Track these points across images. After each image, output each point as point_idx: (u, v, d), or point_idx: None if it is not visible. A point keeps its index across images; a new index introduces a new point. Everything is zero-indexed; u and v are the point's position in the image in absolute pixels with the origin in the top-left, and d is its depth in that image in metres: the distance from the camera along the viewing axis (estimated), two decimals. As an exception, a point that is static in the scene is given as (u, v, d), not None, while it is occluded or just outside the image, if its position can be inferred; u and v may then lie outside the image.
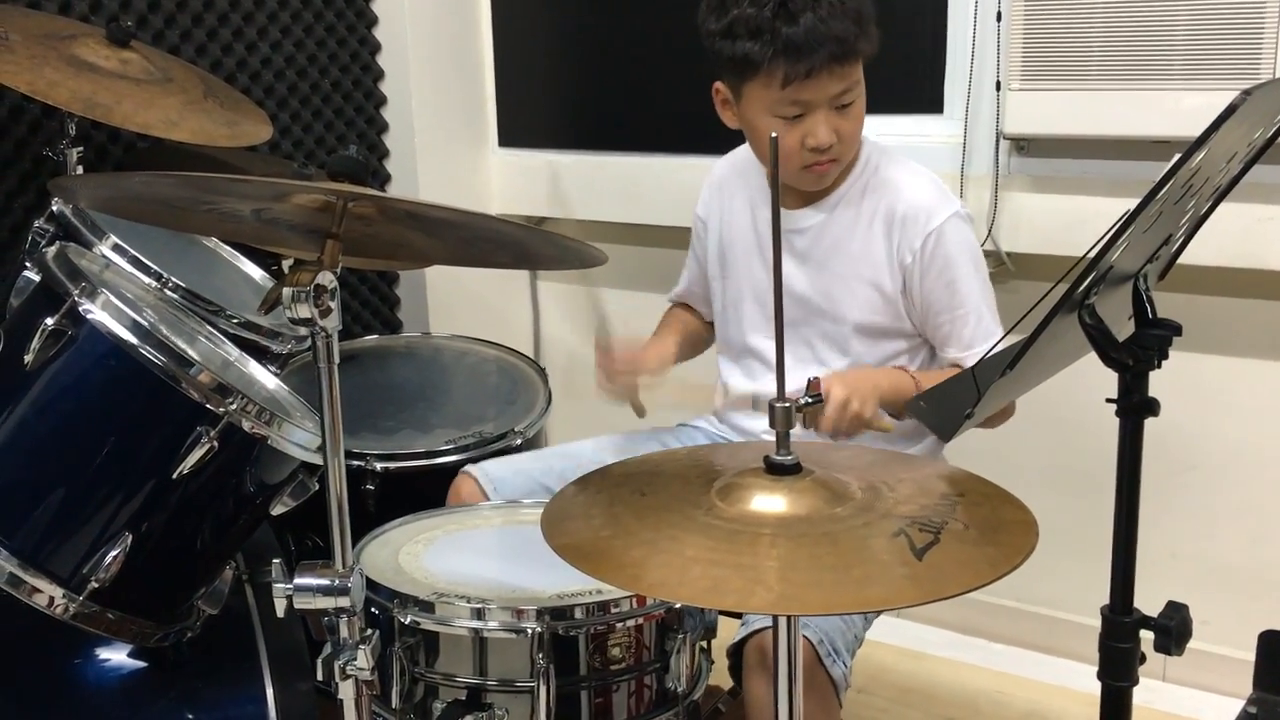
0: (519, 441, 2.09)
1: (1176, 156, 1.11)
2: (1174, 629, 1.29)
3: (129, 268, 1.81)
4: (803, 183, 1.77)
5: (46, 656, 1.67)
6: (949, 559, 1.04)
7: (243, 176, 1.20)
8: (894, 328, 1.79)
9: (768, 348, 1.86)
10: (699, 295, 2.04)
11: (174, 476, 1.50)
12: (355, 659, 1.28)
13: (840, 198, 1.79)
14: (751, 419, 1.89)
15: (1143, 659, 1.32)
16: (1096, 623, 1.32)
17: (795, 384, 1.18)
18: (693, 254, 2.04)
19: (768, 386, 1.81)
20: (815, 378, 1.21)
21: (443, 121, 2.96)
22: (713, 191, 1.97)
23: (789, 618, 1.16)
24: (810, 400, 1.16)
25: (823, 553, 1.05)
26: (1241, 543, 2.33)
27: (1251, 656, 1.68)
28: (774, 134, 1.13)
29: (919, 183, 1.78)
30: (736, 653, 1.60)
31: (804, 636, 1.54)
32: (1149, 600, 1.31)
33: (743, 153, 1.93)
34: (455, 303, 2.97)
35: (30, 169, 2.22)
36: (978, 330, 1.74)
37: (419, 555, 1.58)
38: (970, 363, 1.73)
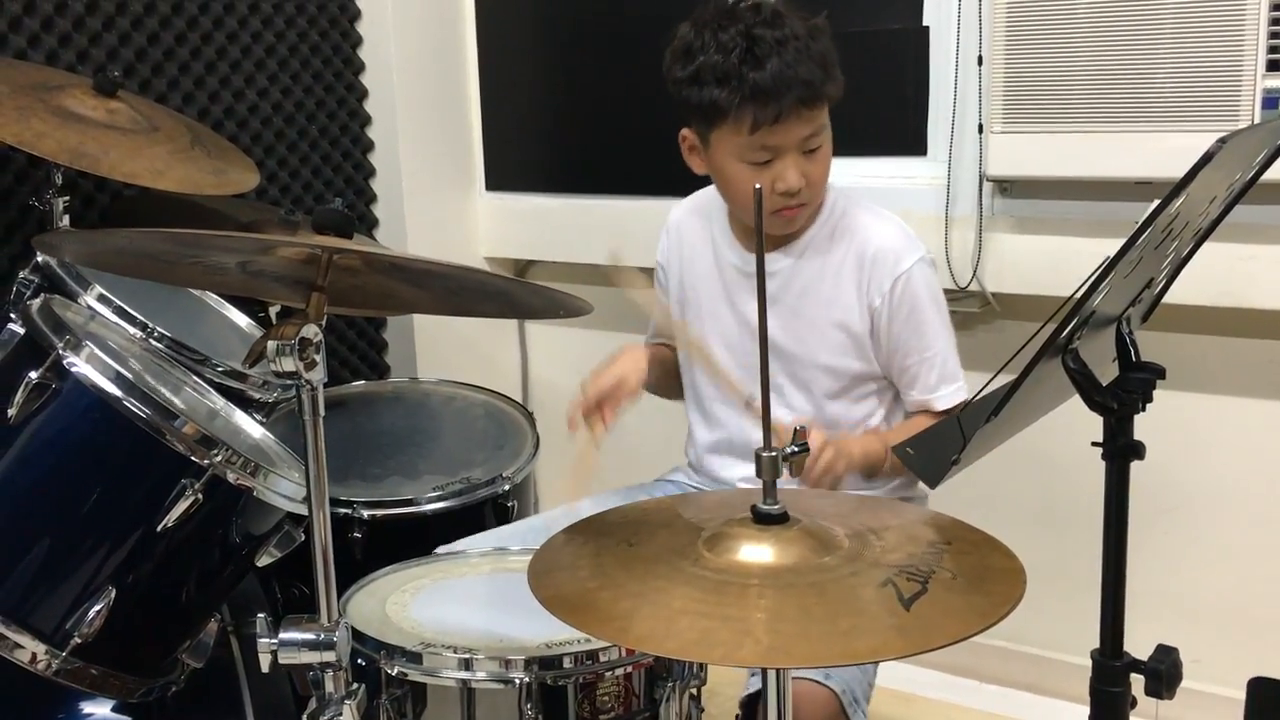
0: (507, 487, 2.08)
1: (1155, 202, 1.12)
2: (1164, 672, 1.28)
3: (114, 318, 1.81)
4: (771, 227, 1.77)
5: (28, 713, 1.65)
6: (937, 609, 1.03)
7: (228, 233, 1.20)
8: (862, 370, 1.80)
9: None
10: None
11: (158, 529, 1.49)
12: (341, 714, 1.27)
13: (809, 242, 1.80)
14: (728, 469, 1.89)
15: (1134, 702, 1.32)
16: (1087, 663, 1.31)
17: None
18: (660, 298, 2.02)
19: (744, 432, 1.84)
20: (802, 426, 1.21)
21: (430, 166, 2.97)
22: (671, 237, 1.96)
23: (778, 670, 1.15)
24: (797, 449, 1.16)
25: (811, 603, 1.04)
26: (1228, 580, 2.32)
27: (1241, 695, 1.68)
28: (758, 185, 1.14)
29: (886, 227, 1.79)
30: (750, 704, 1.59)
31: (828, 688, 1.54)
32: (1138, 639, 1.31)
33: (703, 195, 1.93)
34: (443, 347, 2.97)
35: (16, 219, 2.22)
36: (943, 373, 1.77)
37: (406, 605, 1.57)
38: (934, 404, 1.78)
